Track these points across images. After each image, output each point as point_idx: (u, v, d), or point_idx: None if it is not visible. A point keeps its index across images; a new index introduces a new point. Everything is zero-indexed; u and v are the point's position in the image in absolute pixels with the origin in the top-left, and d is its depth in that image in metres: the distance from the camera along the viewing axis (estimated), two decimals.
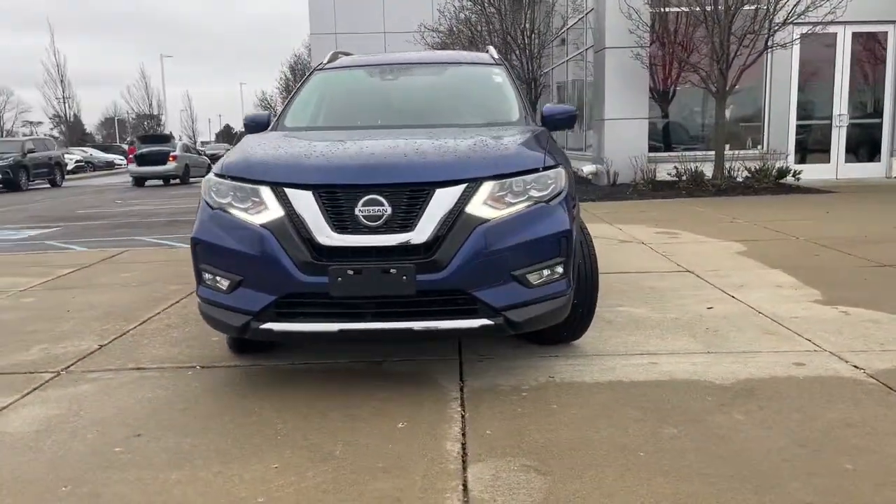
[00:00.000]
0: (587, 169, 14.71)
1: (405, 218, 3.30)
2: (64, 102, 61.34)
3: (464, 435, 2.98)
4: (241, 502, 2.49)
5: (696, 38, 13.39)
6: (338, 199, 3.34)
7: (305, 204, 3.34)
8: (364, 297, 3.31)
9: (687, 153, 13.63)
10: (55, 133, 62.75)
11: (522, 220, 3.41)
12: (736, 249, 7.20)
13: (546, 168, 3.60)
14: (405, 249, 3.29)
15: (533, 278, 3.43)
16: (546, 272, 3.47)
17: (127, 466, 2.79)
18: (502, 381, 3.59)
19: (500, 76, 4.95)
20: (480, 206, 3.35)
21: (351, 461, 2.77)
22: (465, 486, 2.56)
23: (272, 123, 4.66)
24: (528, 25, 16.59)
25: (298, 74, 53.32)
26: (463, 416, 3.18)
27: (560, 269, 3.51)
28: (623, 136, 13.87)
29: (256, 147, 3.83)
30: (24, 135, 53.31)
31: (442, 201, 3.31)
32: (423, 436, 2.98)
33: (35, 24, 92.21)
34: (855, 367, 3.68)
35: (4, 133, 63.23)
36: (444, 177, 3.38)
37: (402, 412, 3.23)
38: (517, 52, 16.53)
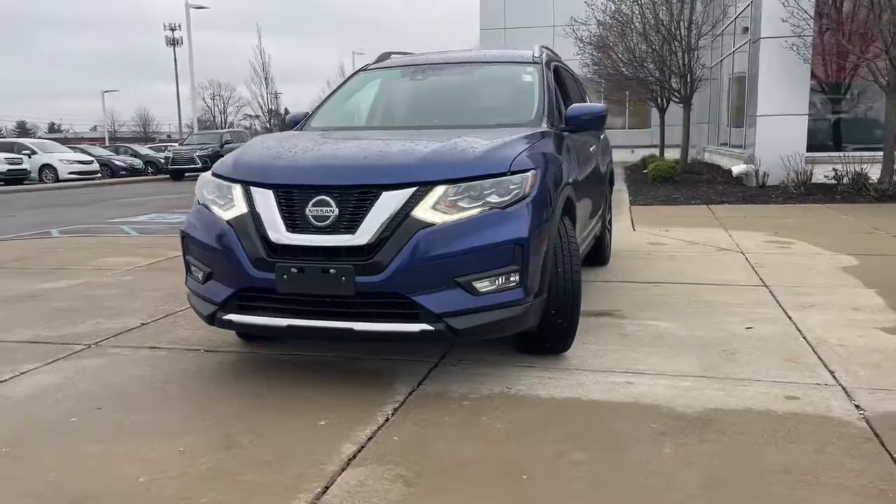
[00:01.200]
0: (736, 169, 13.75)
1: (351, 220, 3.35)
2: (268, 98, 66.72)
3: (370, 438, 2.98)
4: (123, 479, 2.68)
5: (863, 24, 12.04)
6: (292, 198, 3.45)
7: (265, 202, 3.49)
8: (307, 296, 3.40)
9: (851, 154, 12.31)
10: (269, 126, 68.51)
11: (470, 226, 3.33)
12: (844, 264, 6.46)
13: (514, 172, 3.49)
14: (347, 251, 3.33)
15: (481, 286, 3.34)
16: (498, 280, 3.37)
17: (65, 435, 3.09)
18: (456, 388, 3.53)
19: (530, 75, 4.81)
20: (428, 211, 3.32)
21: (248, 453, 2.88)
22: (325, 488, 2.58)
23: (300, 122, 4.87)
24: (686, 15, 15.72)
25: None
26: (387, 420, 3.18)
27: (514, 278, 3.39)
28: (776, 134, 12.82)
29: (250, 147, 4.03)
30: (245, 127, 58.75)
31: (387, 204, 3.32)
32: (332, 435, 3.02)
33: (246, 25, 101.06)
34: (857, 407, 3.22)
35: (227, 125, 70.02)
36: (391, 180, 3.38)
37: (334, 410, 3.28)
38: (672, 43, 15.72)
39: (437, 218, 3.32)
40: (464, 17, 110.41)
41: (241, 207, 3.55)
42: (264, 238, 3.44)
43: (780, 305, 5.03)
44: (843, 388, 3.45)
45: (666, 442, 2.91)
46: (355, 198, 3.37)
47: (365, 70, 5.32)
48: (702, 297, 5.33)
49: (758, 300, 5.20)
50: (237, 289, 3.52)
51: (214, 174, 3.84)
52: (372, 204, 3.33)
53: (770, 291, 5.46)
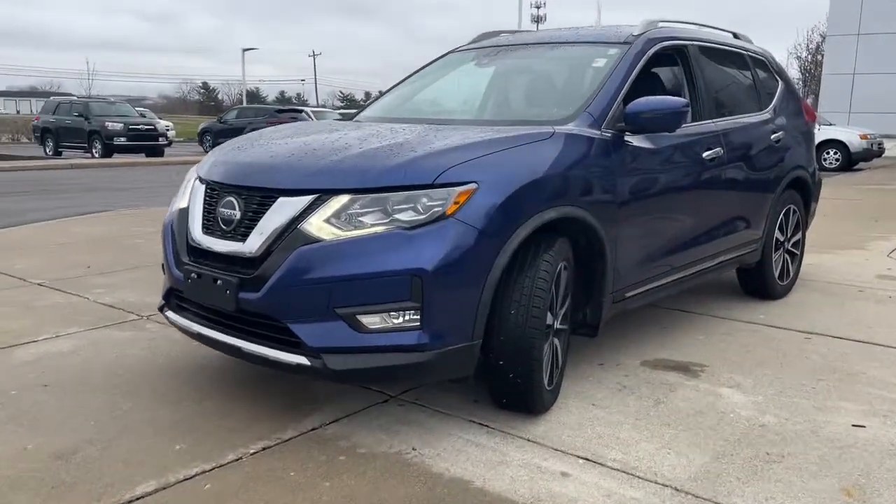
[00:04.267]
0: None
1: (248, 226, 2.95)
2: None
3: (181, 481, 2.60)
4: None
5: None
6: (213, 196, 3.17)
7: (197, 199, 3.26)
8: (204, 304, 3.10)
9: None
10: None
11: (361, 247, 2.72)
12: None
13: (439, 185, 2.78)
14: (236, 260, 2.95)
15: (368, 321, 2.73)
16: (393, 317, 2.73)
17: None
18: (359, 438, 2.95)
19: (604, 59, 3.81)
20: (321, 224, 2.79)
21: (65, 468, 2.68)
22: None
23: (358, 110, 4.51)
24: None
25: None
26: (238, 460, 2.76)
27: (414, 317, 2.72)
28: None
29: (239, 139, 3.79)
30: None
31: (281, 212, 2.86)
32: (158, 467, 2.68)
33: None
34: None
35: None
36: (288, 184, 2.90)
37: (208, 436, 2.94)
38: None
39: (328, 234, 2.77)
40: None
41: (184, 202, 3.37)
42: (188, 236, 3.21)
43: None
44: None
45: None
46: (256, 202, 2.97)
47: (453, 52, 4.74)
48: (851, 365, 3.87)
49: None
50: (170, 286, 3.35)
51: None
52: (266, 210, 2.91)
53: None
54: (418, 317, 2.71)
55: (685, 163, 3.96)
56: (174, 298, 3.38)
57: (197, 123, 53.49)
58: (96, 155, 22.56)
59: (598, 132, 3.41)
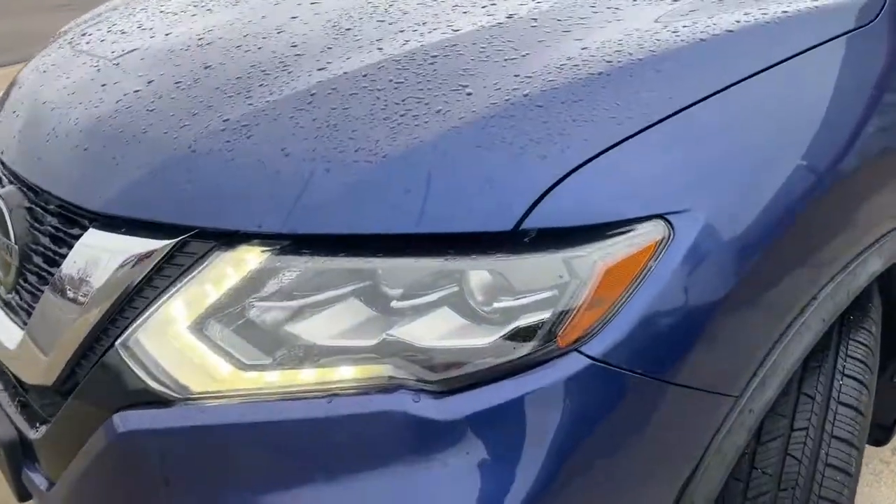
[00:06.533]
0: None
1: (34, 291, 1.10)
2: None
3: None
4: None
5: None
6: None
7: None
8: None
9: None
10: None
11: (296, 440, 0.84)
12: None
13: (538, 245, 0.81)
14: (17, 380, 1.15)
15: None
16: None
17: None
18: None
19: None
20: (181, 333, 0.86)
21: None
22: None
23: None
24: None
25: None
26: None
27: None
28: None
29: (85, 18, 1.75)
30: None
31: (96, 271, 0.95)
32: None
33: None
34: None
35: None
36: (104, 203, 0.97)
37: None
38: None
39: (201, 377, 0.87)
40: None
41: None
42: None
43: None
44: None
45: None
46: (52, 232, 1.08)
47: None
48: None
49: None
50: None
51: None
52: (64, 258, 1.02)
53: None
54: None
55: None
56: None
57: None
58: None
59: None
